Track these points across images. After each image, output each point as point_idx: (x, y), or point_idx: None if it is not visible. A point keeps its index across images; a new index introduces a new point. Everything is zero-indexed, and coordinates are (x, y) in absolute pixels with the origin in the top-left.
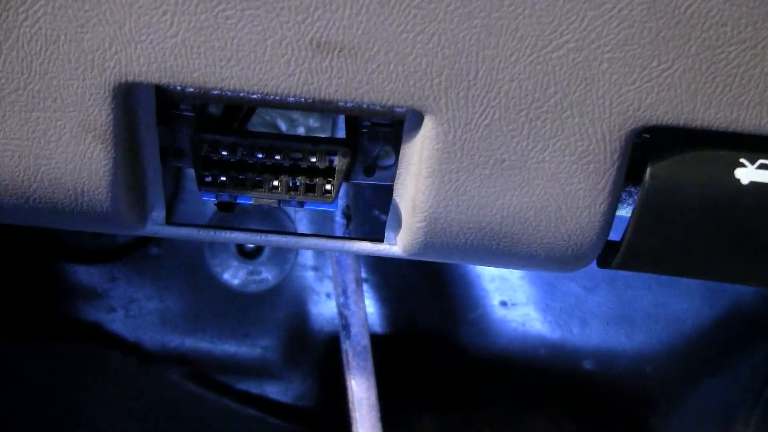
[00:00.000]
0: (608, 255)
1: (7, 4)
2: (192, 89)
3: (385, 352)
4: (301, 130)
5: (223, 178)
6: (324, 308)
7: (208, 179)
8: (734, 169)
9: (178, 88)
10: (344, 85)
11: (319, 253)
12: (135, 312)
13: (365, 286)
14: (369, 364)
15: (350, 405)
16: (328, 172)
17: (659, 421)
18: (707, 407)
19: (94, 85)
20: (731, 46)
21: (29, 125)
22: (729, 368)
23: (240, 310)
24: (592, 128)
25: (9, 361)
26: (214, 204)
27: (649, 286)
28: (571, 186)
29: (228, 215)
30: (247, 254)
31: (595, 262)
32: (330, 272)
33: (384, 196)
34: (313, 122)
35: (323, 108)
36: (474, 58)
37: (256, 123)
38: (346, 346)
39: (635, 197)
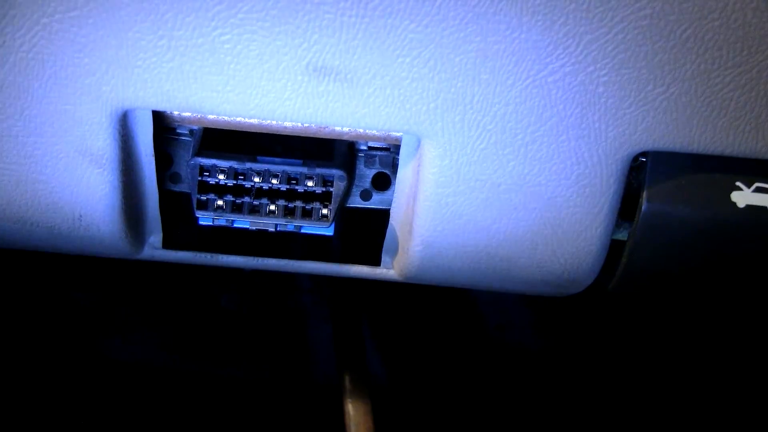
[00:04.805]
0: (605, 278)
1: (4, 29)
2: (189, 114)
3: (382, 376)
4: (298, 155)
5: (220, 203)
6: (321, 332)
7: (205, 203)
8: (730, 192)
9: (176, 113)
10: (341, 109)
11: (317, 276)
12: (133, 336)
13: (362, 310)
14: (366, 388)
15: (347, 429)
16: (325, 197)
17: None
18: (708, 419)
19: (91, 111)
20: (727, 69)
21: (26, 150)
22: (728, 380)
23: (237, 333)
24: (588, 152)
25: (9, 385)
26: (212, 228)
27: (648, 304)
28: (568, 210)
29: (225, 239)
30: (245, 278)
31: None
32: (327, 296)
33: (381, 220)
34: (310, 146)
35: (320, 132)
36: (470, 82)
37: (253, 147)
38: (343, 369)
39: (632, 221)
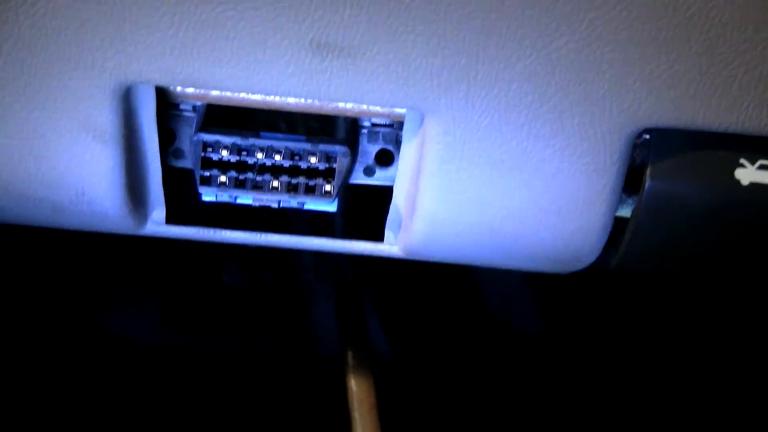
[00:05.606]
0: (608, 255)
1: (7, 4)
2: (192, 90)
3: (385, 354)
4: (301, 131)
5: (223, 179)
6: (323, 308)
7: (208, 179)
8: (734, 169)
9: (179, 88)
10: (344, 85)
11: (320, 253)
12: (135, 312)
13: (365, 287)
14: (368, 365)
15: (350, 405)
16: (328, 173)
17: (658, 421)
18: (708, 409)
19: (93, 86)
20: (731, 47)
21: (29, 126)
22: (728, 371)
23: (240, 310)
24: (592, 129)
25: (9, 361)
26: (214, 204)
27: (650, 285)
28: (571, 186)
29: (228, 215)
30: (248, 254)
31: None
32: (330, 273)
33: (385, 197)
34: (313, 123)
35: (323, 109)
36: (474, 58)
37: (256, 123)
38: (345, 347)
39: (635, 198)
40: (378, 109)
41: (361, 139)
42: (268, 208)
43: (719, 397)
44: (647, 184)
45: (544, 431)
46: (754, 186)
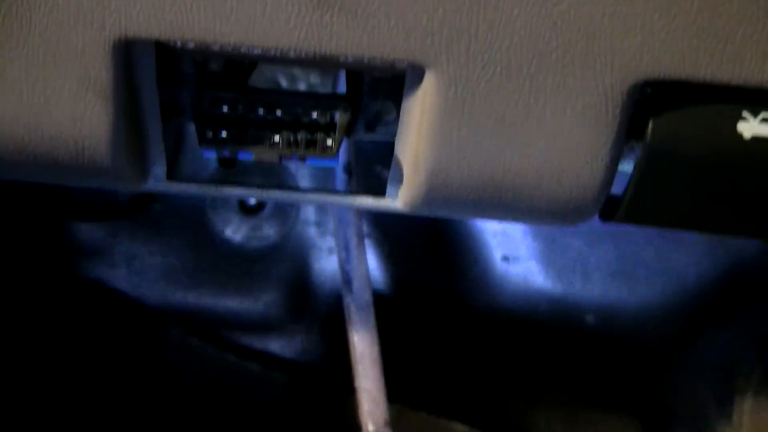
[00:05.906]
0: (611, 208)
1: None
2: (193, 45)
3: (388, 307)
4: (302, 86)
5: (224, 134)
6: (326, 263)
7: (209, 135)
8: (737, 123)
9: (179, 43)
10: (345, 40)
11: (321, 208)
12: (137, 268)
13: (367, 242)
14: (371, 319)
15: (352, 359)
16: (330, 128)
17: (661, 375)
18: (709, 361)
19: (93, 42)
20: None
21: (28, 81)
22: (732, 322)
23: (242, 265)
24: (593, 83)
25: (10, 318)
26: (216, 160)
27: (652, 240)
28: (573, 141)
29: (229, 171)
30: (249, 210)
31: (597, 215)
32: (332, 227)
33: (386, 152)
34: (314, 78)
35: (324, 63)
36: (475, 13)
37: (256, 79)
38: (348, 301)
39: (638, 151)
40: (379, 63)
41: (362, 94)
42: (270, 163)
43: (724, 350)
44: (649, 137)
45: (549, 383)
46: (757, 139)
